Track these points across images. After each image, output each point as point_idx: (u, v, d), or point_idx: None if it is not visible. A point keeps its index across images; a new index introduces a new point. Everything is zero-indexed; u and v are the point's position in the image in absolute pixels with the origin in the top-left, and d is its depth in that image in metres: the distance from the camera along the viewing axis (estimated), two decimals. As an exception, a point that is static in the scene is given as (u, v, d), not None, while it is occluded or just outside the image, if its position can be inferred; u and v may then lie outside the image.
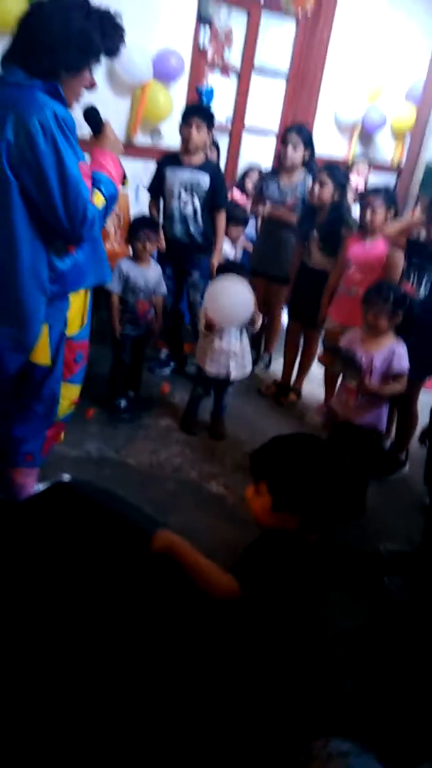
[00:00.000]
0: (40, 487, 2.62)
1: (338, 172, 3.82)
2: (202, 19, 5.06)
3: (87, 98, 2.23)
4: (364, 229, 3.59)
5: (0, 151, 1.94)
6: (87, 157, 2.20)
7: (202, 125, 3.75)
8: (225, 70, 5.56)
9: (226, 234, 4.29)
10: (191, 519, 2.92)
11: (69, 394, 2.53)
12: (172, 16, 4.94)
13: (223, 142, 5.59)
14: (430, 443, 2.94)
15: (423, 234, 3.36)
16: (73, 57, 2.03)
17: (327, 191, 3.76)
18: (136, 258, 3.59)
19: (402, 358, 2.92)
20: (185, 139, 3.79)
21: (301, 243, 4.03)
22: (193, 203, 3.88)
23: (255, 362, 4.37)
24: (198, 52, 5.19)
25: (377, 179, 6.27)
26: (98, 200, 2.12)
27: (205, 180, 3.84)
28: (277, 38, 5.75)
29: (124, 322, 3.61)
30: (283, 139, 4.19)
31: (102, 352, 3.66)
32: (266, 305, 4.38)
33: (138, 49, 4.59)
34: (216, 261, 4.01)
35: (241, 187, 5.38)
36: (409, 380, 2.98)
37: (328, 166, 3.88)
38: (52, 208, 2.02)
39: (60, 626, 1.49)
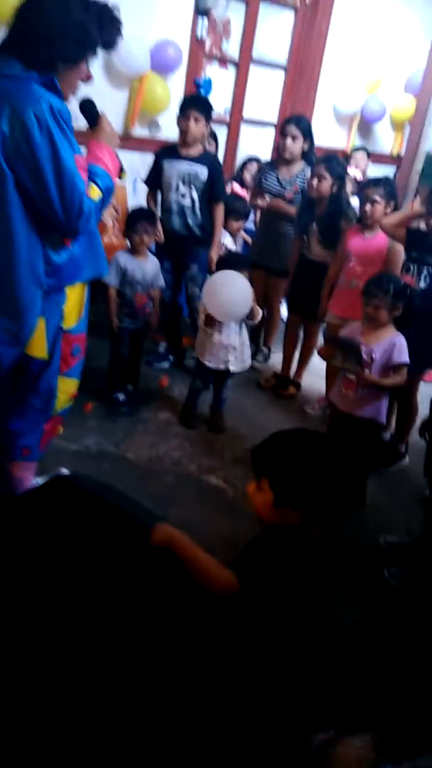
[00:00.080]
0: (39, 481, 2.62)
1: (336, 163, 3.79)
2: (200, 9, 5.02)
3: (85, 90, 2.22)
4: (364, 222, 3.57)
5: (-4, 144, 1.93)
6: (83, 149, 2.19)
7: (200, 117, 3.73)
8: (223, 61, 5.54)
9: (227, 227, 4.27)
10: (190, 512, 2.92)
11: (66, 387, 2.53)
12: (169, 7, 4.90)
13: (222, 134, 5.57)
14: (430, 435, 2.93)
15: (423, 225, 3.35)
16: (70, 49, 2.01)
17: (326, 184, 3.74)
18: (134, 251, 3.57)
19: (402, 351, 2.92)
20: (183, 131, 3.77)
21: (300, 235, 4.02)
22: (191, 195, 3.86)
23: (254, 355, 4.36)
24: (196, 44, 5.16)
25: (376, 170, 6.25)
26: (94, 193, 2.12)
27: (203, 172, 3.82)
28: (276, 29, 5.72)
29: (122, 315, 3.60)
30: (281, 131, 4.17)
31: (100, 345, 3.65)
32: (265, 298, 4.37)
33: (136, 41, 4.56)
34: (214, 254, 3.99)
35: (240, 180, 5.35)
36: (408, 372, 2.98)
37: (326, 158, 3.84)
38: (48, 201, 2.01)
39: (58, 620, 1.49)
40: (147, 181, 4.04)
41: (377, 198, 3.47)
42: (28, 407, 2.40)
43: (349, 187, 4.35)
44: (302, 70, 5.81)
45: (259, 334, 4.72)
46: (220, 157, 5.28)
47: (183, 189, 3.85)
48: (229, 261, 3.46)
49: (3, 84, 1.96)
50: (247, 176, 5.29)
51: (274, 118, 6.00)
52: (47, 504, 1.69)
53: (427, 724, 2.04)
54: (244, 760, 1.47)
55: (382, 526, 3.06)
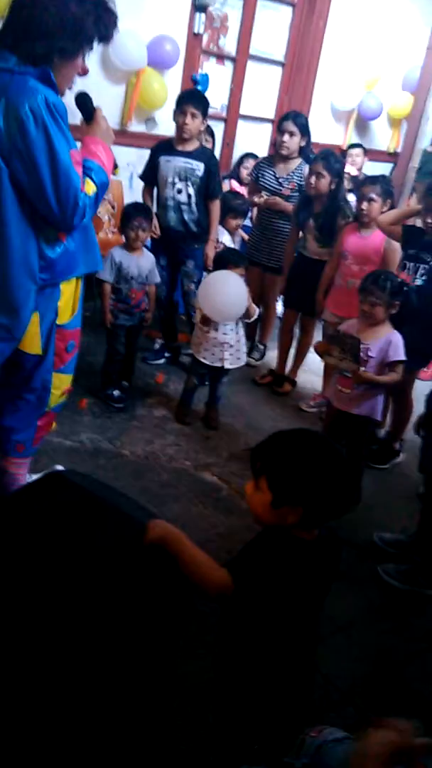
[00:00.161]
0: (33, 477, 2.61)
1: (334, 160, 3.78)
2: (198, 5, 5.00)
3: (81, 85, 2.21)
4: (361, 220, 3.57)
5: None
6: (78, 144, 2.18)
7: (197, 113, 3.72)
8: (220, 57, 5.52)
9: (225, 225, 4.26)
10: (185, 509, 2.92)
11: (61, 383, 2.51)
12: (166, 2, 4.88)
13: (219, 130, 5.55)
14: (426, 432, 2.93)
15: (419, 222, 3.34)
16: (66, 43, 2.00)
17: (324, 182, 3.73)
18: (129, 246, 3.56)
19: (398, 348, 2.91)
20: (180, 127, 3.75)
21: (296, 232, 4.01)
22: (187, 191, 3.85)
23: (250, 352, 4.36)
24: (193, 39, 5.14)
25: (373, 167, 6.24)
26: (89, 188, 2.10)
27: (199, 168, 3.80)
28: (273, 25, 5.70)
29: (117, 311, 3.59)
30: (278, 127, 4.16)
31: (95, 341, 3.64)
32: (261, 295, 4.37)
33: (132, 36, 4.54)
34: (210, 250, 3.98)
35: (237, 176, 5.34)
36: (404, 369, 2.97)
37: (323, 155, 3.83)
38: (43, 196, 2.00)
39: (53, 616, 1.48)
40: (143, 177, 4.03)
41: (374, 196, 3.47)
42: (22, 403, 2.39)
43: (345, 184, 4.34)
44: (299, 67, 5.80)
45: (254, 331, 4.71)
46: (217, 153, 5.27)
47: (179, 185, 3.84)
48: (225, 257, 3.45)
49: (-2, 78, 1.95)
50: (244, 173, 5.27)
51: (271, 114, 5.99)
52: (41, 500, 1.68)
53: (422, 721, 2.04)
54: (238, 754, 1.48)
55: (377, 522, 3.06)
